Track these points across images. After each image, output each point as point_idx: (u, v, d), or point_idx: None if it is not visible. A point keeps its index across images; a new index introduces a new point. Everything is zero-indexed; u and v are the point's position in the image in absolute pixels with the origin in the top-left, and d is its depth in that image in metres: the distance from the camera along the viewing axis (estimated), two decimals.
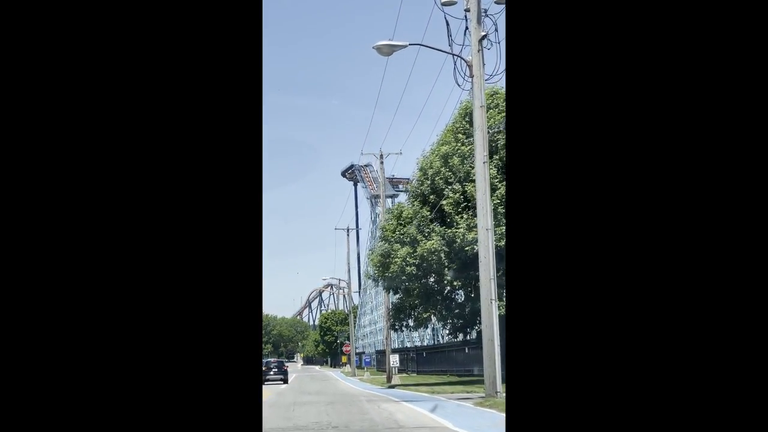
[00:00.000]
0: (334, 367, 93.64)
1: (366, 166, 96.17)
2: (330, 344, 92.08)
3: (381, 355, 68.05)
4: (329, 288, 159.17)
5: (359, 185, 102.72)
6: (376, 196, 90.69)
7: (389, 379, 37.98)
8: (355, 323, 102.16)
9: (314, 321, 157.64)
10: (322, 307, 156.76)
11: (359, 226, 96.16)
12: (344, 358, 74.15)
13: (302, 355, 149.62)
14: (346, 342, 74.23)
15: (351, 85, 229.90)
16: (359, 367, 65.38)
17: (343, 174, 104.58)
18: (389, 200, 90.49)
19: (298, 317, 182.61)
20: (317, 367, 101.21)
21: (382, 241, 31.56)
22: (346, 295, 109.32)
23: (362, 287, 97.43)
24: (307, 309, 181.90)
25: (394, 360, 38.52)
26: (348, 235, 68.00)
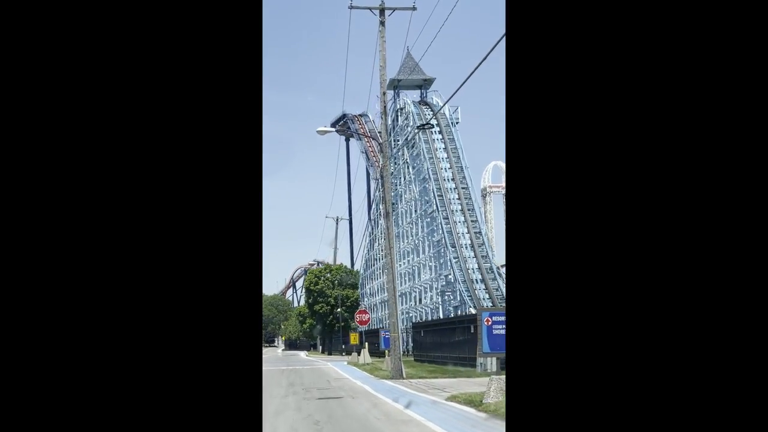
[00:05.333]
0: (328, 353, 56.94)
1: (361, 116, 77.72)
2: (322, 317, 55.11)
3: (424, 331, 31.17)
4: (316, 266, 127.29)
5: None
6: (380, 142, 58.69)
7: None
8: (359, 279, 65.61)
9: (299, 301, 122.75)
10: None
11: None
12: (353, 337, 37.74)
13: (284, 337, 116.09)
14: (361, 308, 37.78)
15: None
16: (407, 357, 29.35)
17: (333, 127, 78.10)
18: (415, 92, 55.12)
19: (281, 296, 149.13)
20: (303, 354, 64.46)
21: None
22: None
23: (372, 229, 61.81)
24: (291, 289, 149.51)
25: None
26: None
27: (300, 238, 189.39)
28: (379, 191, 63.65)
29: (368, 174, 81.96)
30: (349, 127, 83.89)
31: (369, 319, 34.66)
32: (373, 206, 69.55)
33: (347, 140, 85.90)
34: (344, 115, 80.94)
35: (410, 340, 48.56)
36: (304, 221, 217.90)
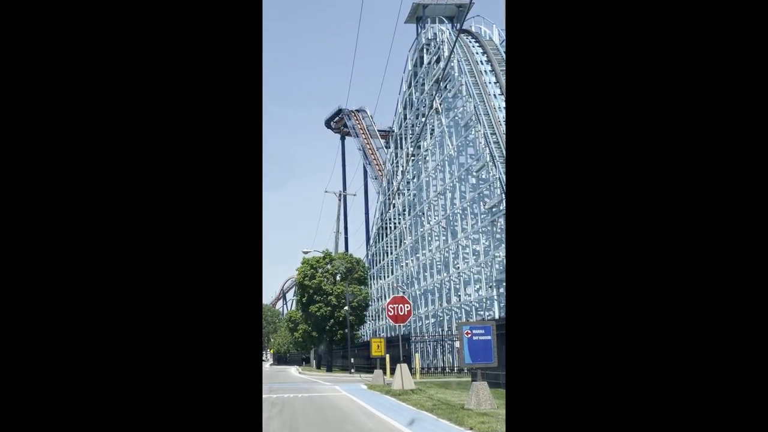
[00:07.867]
0: (327, 369, 42.44)
1: (358, 111, 71.53)
2: (320, 322, 40.68)
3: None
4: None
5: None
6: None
7: None
8: (370, 258, 51.78)
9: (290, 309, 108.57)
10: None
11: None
12: (377, 345, 23.40)
13: (272, 350, 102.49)
14: (398, 294, 23.72)
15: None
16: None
17: (328, 124, 79.11)
18: (445, 25, 41.19)
19: (271, 307, 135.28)
20: (294, 369, 49.78)
21: None
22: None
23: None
24: (281, 300, 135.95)
25: None
26: None
27: (294, 247, 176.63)
28: (384, 188, 50.00)
29: (365, 172, 73.69)
30: (345, 124, 76.56)
31: (410, 311, 20.54)
32: (379, 191, 56.40)
33: (343, 138, 79.27)
34: (340, 110, 72.87)
35: (439, 349, 34.52)
36: (299, 230, 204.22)
